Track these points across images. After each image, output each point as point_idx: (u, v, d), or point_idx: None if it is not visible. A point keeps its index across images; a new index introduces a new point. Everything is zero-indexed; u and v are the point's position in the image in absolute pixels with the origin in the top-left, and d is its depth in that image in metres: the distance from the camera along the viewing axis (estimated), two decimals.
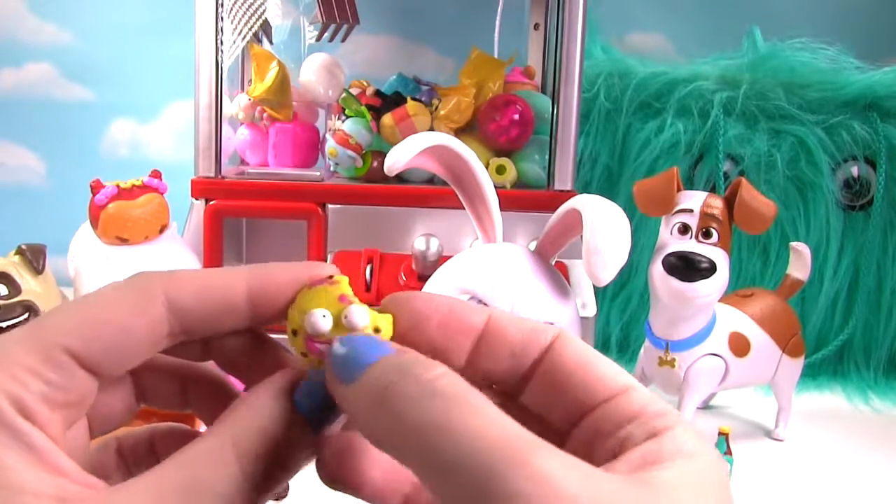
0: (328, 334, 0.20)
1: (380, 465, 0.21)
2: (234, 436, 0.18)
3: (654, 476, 0.16)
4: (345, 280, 0.21)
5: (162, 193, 0.66)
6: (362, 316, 0.20)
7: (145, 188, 0.65)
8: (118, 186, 0.63)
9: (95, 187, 0.63)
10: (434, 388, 0.17)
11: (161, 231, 0.65)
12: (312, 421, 0.20)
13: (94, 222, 0.63)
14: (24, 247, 0.58)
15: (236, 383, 0.23)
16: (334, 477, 0.21)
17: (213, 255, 0.71)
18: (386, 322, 0.21)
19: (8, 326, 0.53)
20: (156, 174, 0.66)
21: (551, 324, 0.49)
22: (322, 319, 0.20)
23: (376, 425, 0.17)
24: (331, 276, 0.21)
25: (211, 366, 0.23)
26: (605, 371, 0.19)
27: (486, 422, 0.16)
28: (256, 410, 0.19)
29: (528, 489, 0.14)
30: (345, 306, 0.20)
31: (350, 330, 0.20)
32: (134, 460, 0.23)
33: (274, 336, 0.23)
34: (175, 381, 0.23)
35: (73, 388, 0.19)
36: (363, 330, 0.20)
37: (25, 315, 0.55)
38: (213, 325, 0.21)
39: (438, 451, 0.16)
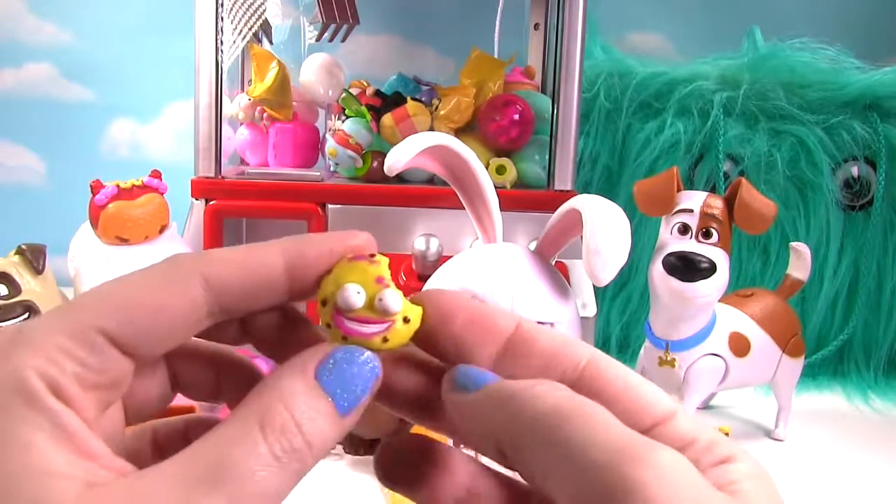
0: (358, 311, 0.20)
1: (439, 468, 0.21)
2: (259, 416, 0.18)
3: (736, 492, 0.17)
4: (385, 261, 0.21)
5: (162, 193, 0.66)
6: (396, 301, 0.20)
7: (145, 188, 0.65)
8: (118, 186, 0.63)
9: (95, 187, 0.63)
10: (560, 387, 0.18)
11: (161, 231, 0.65)
12: (337, 399, 0.19)
13: (94, 222, 0.63)
14: (24, 247, 0.57)
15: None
16: (393, 476, 0.22)
17: None
18: (416, 313, 0.21)
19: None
20: (156, 174, 0.66)
21: (552, 324, 0.49)
22: (356, 295, 0.20)
23: (501, 421, 0.18)
24: (372, 255, 0.21)
25: (245, 356, 0.23)
26: (650, 396, 0.19)
27: (609, 420, 0.17)
28: (281, 390, 0.19)
29: (650, 482, 0.16)
30: (381, 288, 0.20)
31: (382, 313, 0.20)
32: (169, 449, 0.23)
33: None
34: (210, 368, 0.23)
35: (108, 370, 0.18)
36: (394, 316, 0.20)
37: (25, 315, 0.54)
38: (253, 300, 0.21)
39: (566, 439, 0.17)
